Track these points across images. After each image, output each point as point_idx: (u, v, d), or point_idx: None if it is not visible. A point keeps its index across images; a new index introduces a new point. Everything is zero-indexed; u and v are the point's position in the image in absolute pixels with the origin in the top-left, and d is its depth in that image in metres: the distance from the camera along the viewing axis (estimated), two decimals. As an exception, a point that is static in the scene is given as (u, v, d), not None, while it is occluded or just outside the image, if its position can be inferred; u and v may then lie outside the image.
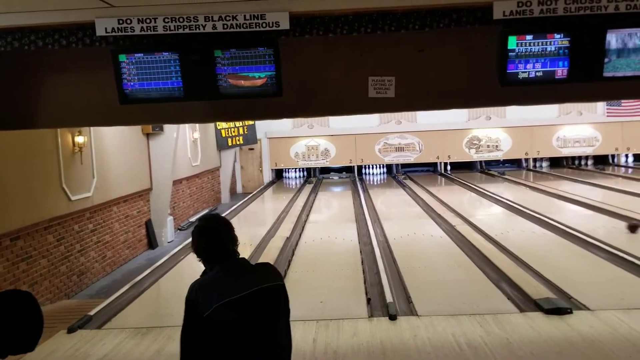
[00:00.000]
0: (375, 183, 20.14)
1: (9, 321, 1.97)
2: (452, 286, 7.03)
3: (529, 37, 4.52)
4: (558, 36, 4.51)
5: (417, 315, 5.85)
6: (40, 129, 6.61)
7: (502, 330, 5.28)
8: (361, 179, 20.51)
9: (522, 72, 4.59)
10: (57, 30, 4.72)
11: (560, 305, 5.75)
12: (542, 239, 9.52)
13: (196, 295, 2.56)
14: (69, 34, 4.73)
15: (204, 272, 2.70)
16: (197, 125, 15.60)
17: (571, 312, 5.63)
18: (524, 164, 21.73)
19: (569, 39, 4.51)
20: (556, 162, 21.69)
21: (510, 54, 4.54)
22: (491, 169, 21.34)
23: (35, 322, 2.05)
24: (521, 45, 4.53)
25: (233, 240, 2.71)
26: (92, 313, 6.31)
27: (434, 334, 5.30)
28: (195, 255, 2.74)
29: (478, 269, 7.61)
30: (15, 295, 2.05)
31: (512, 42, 4.52)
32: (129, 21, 4.57)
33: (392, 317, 5.71)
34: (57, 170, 8.18)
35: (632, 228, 9.47)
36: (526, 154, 21.19)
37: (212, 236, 2.67)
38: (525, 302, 6.09)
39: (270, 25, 4.59)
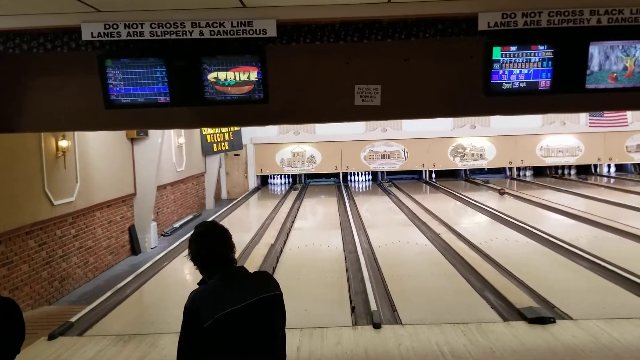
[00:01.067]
0: (361, 190, 20.17)
1: None
2: (437, 294, 7.05)
3: (513, 48, 4.58)
4: (542, 47, 4.57)
5: (401, 323, 5.85)
6: (23, 133, 6.55)
7: (485, 340, 5.30)
8: (346, 186, 20.54)
9: (506, 82, 4.65)
10: (42, 34, 4.69)
11: (543, 315, 5.78)
12: (526, 247, 9.59)
13: (197, 304, 2.49)
14: (54, 38, 4.71)
15: (202, 281, 2.65)
16: (182, 130, 15.53)
17: (554, 322, 5.66)
18: (508, 173, 21.90)
19: (552, 50, 4.57)
20: (540, 171, 21.88)
21: (494, 64, 4.60)
22: (476, 177, 21.48)
23: (17, 328, 2.03)
24: (505, 56, 4.58)
25: (231, 247, 2.67)
26: (73, 319, 6.23)
27: (418, 342, 5.30)
28: (191, 263, 2.68)
29: (462, 278, 7.65)
30: None
31: (496, 52, 4.58)
32: (115, 26, 4.56)
33: (376, 326, 5.71)
34: (40, 175, 8.09)
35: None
36: (510, 162, 21.36)
37: (211, 243, 2.63)
38: (509, 311, 6.13)
39: (258, 32, 4.60)
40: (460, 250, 9.12)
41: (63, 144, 8.61)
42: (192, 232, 2.75)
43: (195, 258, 2.64)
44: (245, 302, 2.52)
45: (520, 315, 5.91)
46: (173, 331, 5.74)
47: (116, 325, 6.33)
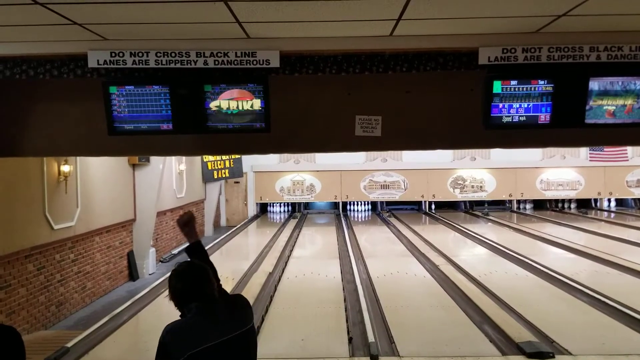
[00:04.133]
0: (360, 220, 20.15)
1: None
2: (435, 327, 7.00)
3: (513, 82, 4.64)
4: (542, 82, 4.63)
5: (398, 356, 5.80)
6: (27, 157, 6.59)
7: (483, 373, 5.25)
8: (346, 216, 20.52)
9: (506, 116, 4.70)
10: (49, 60, 4.76)
11: (542, 350, 5.73)
12: (525, 281, 9.54)
13: (170, 339, 2.46)
14: (60, 65, 4.78)
15: (181, 317, 2.62)
16: (183, 157, 15.60)
17: (553, 357, 5.61)
18: (508, 205, 21.88)
19: (552, 85, 4.63)
20: (540, 205, 21.88)
21: (494, 98, 4.65)
22: (475, 209, 21.47)
23: (18, 358, 2.00)
24: (505, 90, 4.64)
25: (210, 282, 2.65)
26: (69, 345, 6.18)
27: (416, 375, 5.25)
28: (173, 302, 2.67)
29: (461, 310, 7.60)
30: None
31: (497, 86, 4.63)
32: (121, 54, 4.63)
33: (374, 358, 5.65)
34: (41, 199, 8.10)
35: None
36: (510, 195, 21.37)
37: (189, 279, 2.62)
38: (508, 345, 6.07)
39: (261, 63, 4.68)
40: (459, 283, 9.07)
41: (65, 168, 8.65)
42: (170, 273, 2.73)
43: (173, 294, 2.63)
44: (219, 339, 2.49)
45: (519, 349, 5.85)
46: (169, 359, 5.70)
47: (112, 351, 6.29)
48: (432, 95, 5.15)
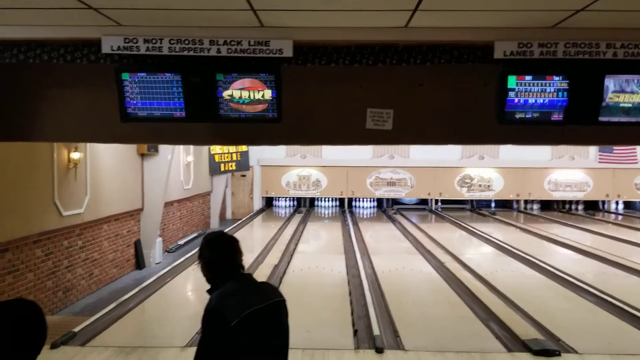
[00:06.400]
0: (365, 216, 20.13)
1: (13, 331, 1.87)
2: (440, 323, 6.98)
3: (528, 77, 4.61)
4: (557, 78, 4.60)
5: (404, 349, 5.79)
6: (38, 142, 6.61)
7: (489, 369, 5.24)
8: (351, 212, 20.51)
9: (520, 111, 4.67)
10: (63, 45, 4.77)
11: (548, 347, 5.71)
12: (531, 280, 9.51)
13: (221, 305, 2.51)
14: (74, 50, 4.79)
15: (213, 288, 2.65)
16: (191, 148, 15.63)
17: (559, 355, 5.59)
18: (515, 206, 21.78)
19: (567, 81, 4.60)
20: (547, 205, 21.77)
21: (509, 93, 4.62)
22: (482, 208, 21.40)
23: (39, 334, 1.96)
24: (520, 85, 4.61)
25: (241, 253, 2.75)
26: (76, 330, 6.21)
27: (421, 369, 5.24)
28: (198, 275, 2.73)
29: (466, 307, 7.58)
30: (20, 305, 1.96)
31: (511, 81, 4.61)
32: (135, 40, 4.63)
33: (379, 350, 5.65)
34: (51, 185, 8.13)
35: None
36: (517, 195, 21.27)
37: (222, 249, 2.70)
38: (513, 342, 6.05)
39: (274, 52, 4.66)
40: (465, 280, 9.06)
41: (75, 156, 8.67)
42: (202, 242, 2.78)
43: (208, 264, 2.68)
44: (265, 302, 2.59)
45: (524, 346, 5.83)
46: (175, 345, 5.72)
47: (118, 337, 6.30)
48: (445, 89, 5.09)
